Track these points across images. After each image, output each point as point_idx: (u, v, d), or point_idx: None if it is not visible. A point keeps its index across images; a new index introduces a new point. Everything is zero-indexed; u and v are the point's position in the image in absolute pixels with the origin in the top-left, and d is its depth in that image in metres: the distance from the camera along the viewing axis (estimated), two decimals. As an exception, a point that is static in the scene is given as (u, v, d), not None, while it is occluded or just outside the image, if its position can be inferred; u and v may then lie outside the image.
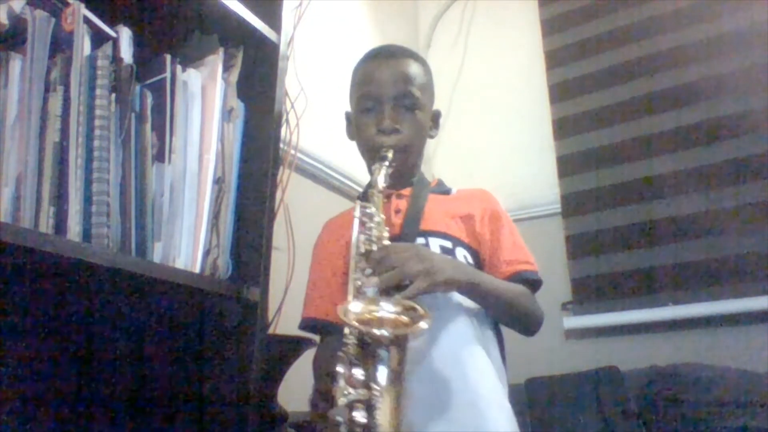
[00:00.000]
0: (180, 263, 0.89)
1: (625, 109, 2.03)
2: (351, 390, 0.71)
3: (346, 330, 0.77)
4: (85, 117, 0.78)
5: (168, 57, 0.91)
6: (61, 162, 0.75)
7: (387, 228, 0.94)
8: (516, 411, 0.93)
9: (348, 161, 1.85)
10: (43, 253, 0.69)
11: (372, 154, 1.07)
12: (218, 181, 0.96)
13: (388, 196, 1.07)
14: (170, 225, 0.89)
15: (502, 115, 2.32)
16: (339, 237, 1.08)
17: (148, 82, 0.90)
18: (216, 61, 0.98)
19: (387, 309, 0.78)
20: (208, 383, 0.97)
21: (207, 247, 0.94)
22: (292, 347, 1.16)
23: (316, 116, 1.67)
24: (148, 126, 0.87)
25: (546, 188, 2.12)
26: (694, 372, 1.52)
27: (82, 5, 0.80)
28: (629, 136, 2.01)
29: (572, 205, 2.05)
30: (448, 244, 1.03)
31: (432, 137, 1.17)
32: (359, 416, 0.69)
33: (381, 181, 0.99)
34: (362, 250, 0.90)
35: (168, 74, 0.90)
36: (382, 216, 0.95)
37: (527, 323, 1.04)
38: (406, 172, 1.10)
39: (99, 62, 0.80)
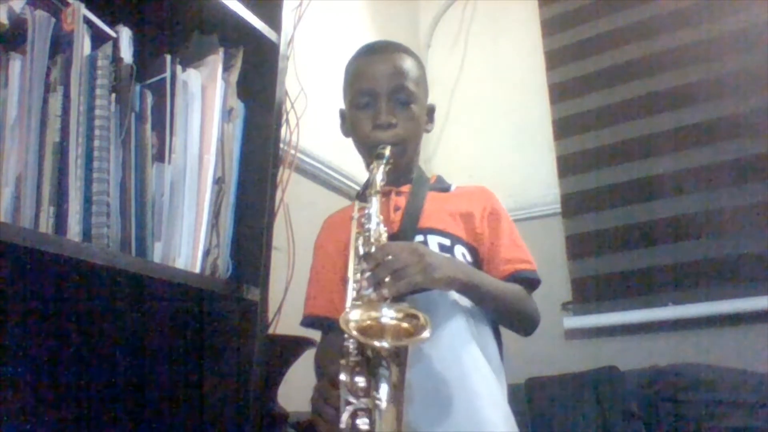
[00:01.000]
0: (180, 263, 0.89)
1: (625, 109, 2.03)
2: (353, 398, 0.72)
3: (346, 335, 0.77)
4: (85, 117, 0.78)
5: (168, 57, 0.91)
6: (61, 162, 0.75)
7: (385, 229, 0.94)
8: (516, 411, 0.93)
9: (348, 161, 1.85)
10: (43, 253, 0.69)
11: (369, 151, 1.06)
12: (218, 181, 0.96)
13: (387, 194, 1.07)
14: (170, 225, 0.89)
15: (502, 115, 2.32)
16: (338, 234, 1.08)
17: (148, 82, 0.90)
18: (216, 61, 0.98)
19: (388, 315, 0.78)
20: (208, 383, 0.97)
21: (207, 247, 0.94)
22: (292, 347, 1.16)
23: (316, 116, 1.67)
24: (148, 126, 0.87)
25: (546, 188, 2.12)
26: (694, 372, 1.52)
27: (82, 5, 0.80)
28: (629, 136, 2.01)
29: (572, 205, 2.05)
30: (447, 242, 1.03)
31: (428, 131, 1.17)
32: (362, 424, 0.70)
33: (379, 180, 0.98)
34: (360, 251, 0.90)
35: (168, 74, 0.90)
36: (381, 216, 0.94)
37: (524, 324, 1.04)
38: (403, 167, 1.09)
39: (99, 62, 0.80)
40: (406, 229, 1.02)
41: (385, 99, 1.06)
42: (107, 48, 0.82)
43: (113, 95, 0.82)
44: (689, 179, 1.87)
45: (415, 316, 0.76)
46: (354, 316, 0.77)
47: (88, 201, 0.77)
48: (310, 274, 1.15)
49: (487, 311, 0.99)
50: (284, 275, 1.40)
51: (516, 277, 1.03)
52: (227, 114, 1.00)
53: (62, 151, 0.76)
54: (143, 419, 1.01)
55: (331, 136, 1.41)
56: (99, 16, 0.84)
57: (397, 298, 0.83)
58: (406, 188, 1.10)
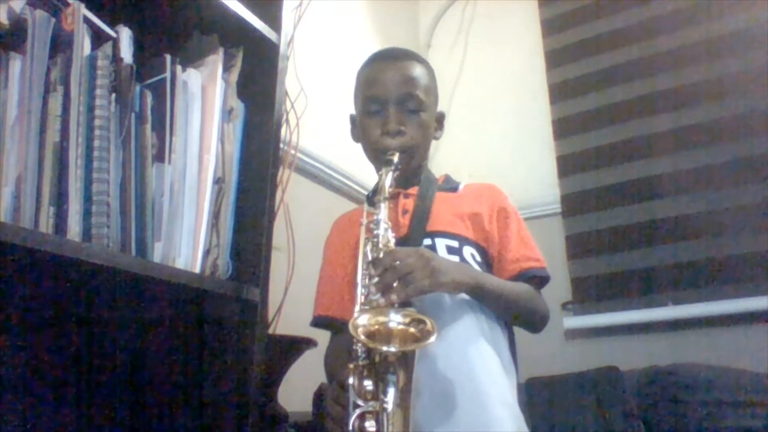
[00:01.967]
0: (180, 263, 0.89)
1: (625, 109, 2.03)
2: (361, 401, 0.74)
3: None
4: (85, 117, 0.78)
5: (168, 57, 0.91)
6: (61, 162, 0.75)
7: (393, 234, 0.95)
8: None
9: (348, 161, 1.85)
10: (43, 253, 0.69)
11: (378, 157, 1.08)
12: (218, 181, 0.96)
13: (395, 196, 1.08)
14: (170, 225, 0.88)
15: (502, 115, 2.32)
16: (347, 236, 1.09)
17: (148, 82, 0.90)
18: (216, 61, 0.98)
19: (395, 320, 0.79)
20: (208, 383, 0.97)
21: (207, 247, 0.94)
22: (292, 347, 1.17)
23: (316, 116, 1.67)
24: (148, 126, 0.87)
25: (546, 188, 2.12)
26: (694, 372, 1.52)
27: (82, 5, 0.80)
28: (629, 136, 2.01)
29: (572, 205, 2.05)
30: (455, 244, 1.03)
31: (437, 139, 1.18)
32: (369, 426, 0.72)
33: (387, 186, 0.99)
34: (369, 257, 0.91)
35: (168, 74, 0.90)
36: (389, 222, 0.95)
37: (533, 321, 1.05)
38: (411, 173, 1.10)
39: (99, 62, 0.80)
40: (415, 232, 1.03)
41: (394, 106, 1.07)
42: (107, 48, 0.82)
43: (113, 95, 0.82)
44: (689, 179, 1.87)
45: (422, 321, 0.78)
46: (362, 321, 0.78)
47: (88, 201, 0.77)
48: (320, 274, 1.15)
49: (496, 311, 1.00)
50: (284, 275, 1.40)
51: (525, 276, 1.04)
52: (227, 114, 1.00)
53: (62, 151, 0.76)
54: (143, 419, 1.01)
55: (331, 136, 1.41)
56: (99, 16, 0.84)
57: (404, 303, 0.84)
58: (414, 190, 1.10)
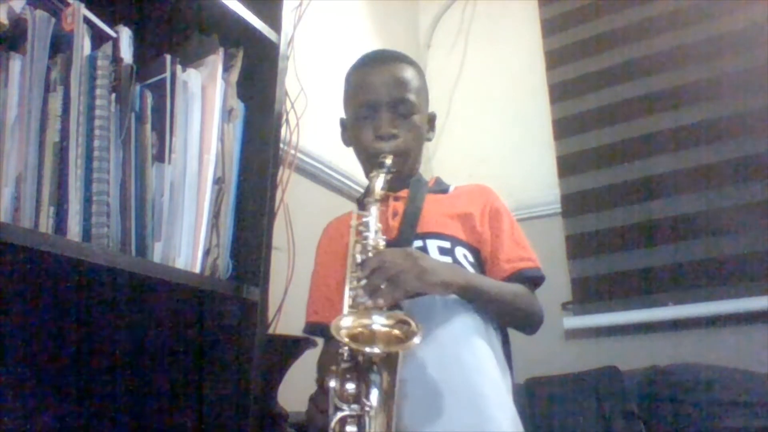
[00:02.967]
0: (180, 263, 0.89)
1: (625, 109, 2.03)
2: (343, 405, 0.73)
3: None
4: (85, 117, 0.78)
5: (168, 57, 0.91)
6: (61, 162, 0.75)
7: (383, 237, 0.94)
8: (516, 411, 0.93)
9: (348, 161, 1.84)
10: (43, 253, 0.69)
11: (370, 161, 1.07)
12: (218, 181, 0.96)
13: (385, 200, 1.07)
14: (170, 225, 0.89)
15: (502, 115, 2.32)
16: (337, 240, 1.09)
17: (148, 82, 0.90)
18: (216, 61, 0.98)
19: (379, 322, 0.78)
20: (208, 383, 0.97)
21: (207, 247, 0.94)
22: (292, 347, 1.16)
23: (316, 116, 1.67)
24: (148, 126, 0.87)
25: (546, 188, 2.12)
26: (694, 372, 1.52)
27: (82, 5, 0.80)
28: (629, 136, 2.01)
29: (572, 205, 2.05)
30: (447, 245, 1.03)
31: (429, 140, 1.17)
32: (351, 431, 0.72)
33: (379, 188, 0.99)
34: (358, 260, 0.90)
35: (168, 74, 0.90)
36: (379, 225, 0.95)
37: (527, 323, 1.04)
38: (404, 176, 1.10)
39: (99, 62, 0.80)
40: (405, 234, 1.02)
41: (386, 110, 1.07)
42: (107, 48, 0.82)
43: (113, 95, 0.82)
44: (689, 179, 1.86)
45: (407, 323, 0.77)
46: (345, 323, 0.78)
47: (88, 201, 0.77)
48: (311, 280, 1.15)
49: (488, 312, 0.98)
50: (284, 275, 1.40)
51: (519, 276, 1.03)
52: (227, 114, 1.00)
53: (62, 151, 0.76)
54: (143, 419, 1.01)
55: (331, 136, 1.41)
56: (99, 16, 0.84)
57: (394, 305, 0.83)
58: (404, 193, 1.10)
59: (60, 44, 0.78)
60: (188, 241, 0.91)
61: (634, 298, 1.86)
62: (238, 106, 1.03)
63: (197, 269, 0.91)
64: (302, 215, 1.52)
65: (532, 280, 1.05)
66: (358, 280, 0.87)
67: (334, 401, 0.74)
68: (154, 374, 1.02)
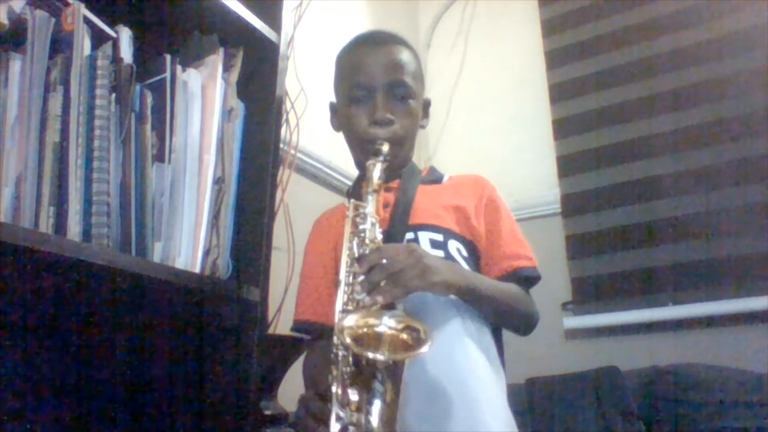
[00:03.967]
0: (180, 263, 0.89)
1: (625, 110, 2.03)
2: (343, 413, 0.69)
3: (336, 342, 0.75)
4: (85, 117, 0.78)
5: (168, 57, 0.91)
6: (61, 162, 0.75)
7: (381, 230, 0.89)
8: (516, 411, 0.92)
9: (348, 161, 1.84)
10: (43, 253, 0.69)
11: (364, 147, 1.02)
12: (218, 181, 0.96)
13: (377, 190, 1.01)
14: (170, 225, 0.89)
15: (502, 115, 2.32)
16: (328, 235, 1.06)
17: (148, 82, 0.90)
18: (216, 61, 0.98)
19: (387, 324, 0.73)
20: (208, 383, 0.97)
21: (207, 247, 0.94)
22: (292, 347, 1.16)
23: (316, 116, 1.67)
24: (148, 126, 0.87)
25: (546, 188, 2.12)
26: (694, 372, 1.52)
27: (82, 5, 0.80)
28: (629, 137, 2.01)
29: (572, 205, 2.05)
30: (439, 237, 0.98)
31: (423, 127, 1.12)
32: None
33: (376, 178, 0.93)
34: (355, 253, 0.85)
35: (168, 74, 0.90)
36: (376, 217, 0.90)
37: (522, 325, 1.00)
38: (397, 164, 1.04)
39: (99, 62, 0.80)
40: (396, 226, 0.97)
41: (382, 94, 1.02)
42: (107, 48, 0.82)
43: (113, 95, 0.82)
44: (689, 179, 1.87)
45: (415, 329, 0.72)
46: (349, 323, 0.73)
47: (88, 201, 0.77)
48: (300, 277, 1.11)
49: (484, 314, 0.95)
50: (284, 275, 1.40)
51: (516, 275, 0.99)
52: (227, 114, 1.00)
53: (62, 151, 0.76)
54: (143, 419, 1.00)
55: (331, 136, 1.40)
56: (99, 16, 0.84)
57: (390, 304, 0.79)
58: (395, 183, 1.04)
59: (60, 44, 0.78)
60: (188, 241, 0.91)
61: (634, 298, 1.86)
62: (238, 106, 1.03)
63: (197, 269, 0.91)
64: (302, 215, 1.52)
65: (529, 279, 1.01)
66: (355, 275, 0.82)
67: (336, 408, 0.70)
68: (154, 374, 1.02)
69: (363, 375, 0.71)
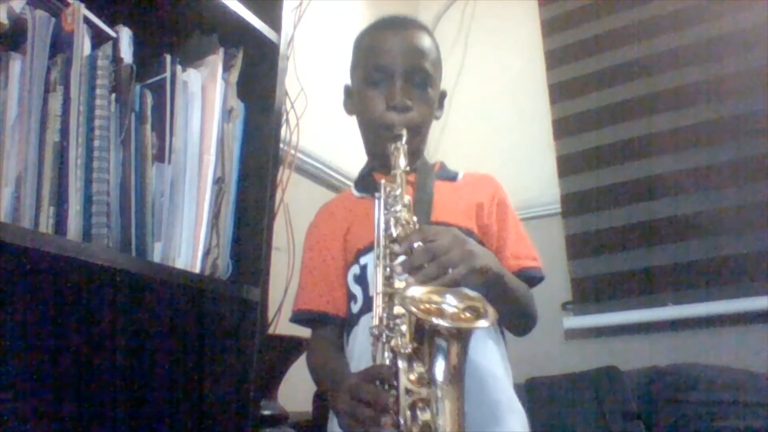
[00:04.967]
0: (180, 263, 0.89)
1: (625, 109, 2.03)
2: (413, 387, 0.65)
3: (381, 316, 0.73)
4: (85, 117, 0.78)
5: (168, 57, 0.91)
6: (61, 162, 0.75)
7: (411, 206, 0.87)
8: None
9: (348, 161, 1.85)
10: (43, 253, 0.69)
11: (379, 133, 1.00)
12: (218, 181, 0.96)
13: (389, 181, 1.02)
14: (170, 225, 0.89)
15: (502, 115, 2.32)
16: (333, 224, 1.05)
17: (148, 82, 0.90)
18: (216, 61, 0.98)
19: (450, 302, 0.70)
20: (208, 383, 0.97)
21: (207, 247, 0.94)
22: (292, 347, 1.17)
23: (316, 116, 1.67)
24: (148, 126, 0.87)
25: (546, 188, 2.12)
26: (694, 372, 1.52)
27: (82, 5, 0.80)
28: (629, 136, 2.01)
29: (572, 205, 2.05)
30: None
31: (437, 118, 1.10)
32: (422, 415, 0.64)
33: (403, 165, 0.91)
34: (393, 234, 0.82)
35: (168, 74, 0.90)
36: (409, 198, 0.87)
37: (526, 323, 1.00)
38: (412, 154, 1.00)
39: (99, 62, 0.80)
40: (419, 223, 0.94)
41: (401, 79, 0.99)
42: (107, 48, 0.82)
43: (113, 95, 0.82)
44: (689, 179, 1.86)
45: (475, 308, 0.69)
46: (414, 293, 0.69)
47: (88, 201, 0.77)
48: (302, 266, 1.08)
49: (500, 308, 0.95)
50: (284, 275, 1.40)
51: (522, 275, 0.99)
52: (227, 114, 1.00)
53: (62, 151, 0.76)
54: (143, 419, 1.00)
55: (331, 136, 1.41)
56: (99, 16, 0.84)
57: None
58: (410, 177, 1.01)
59: (60, 44, 0.78)
60: (188, 241, 0.91)
61: (634, 298, 1.86)
62: (238, 106, 1.03)
63: (197, 269, 0.91)
64: (302, 215, 1.52)
65: (533, 279, 1.01)
66: (393, 255, 0.80)
67: (405, 383, 0.66)
68: (154, 374, 1.02)
69: (428, 347, 0.67)
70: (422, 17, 2.59)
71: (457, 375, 0.66)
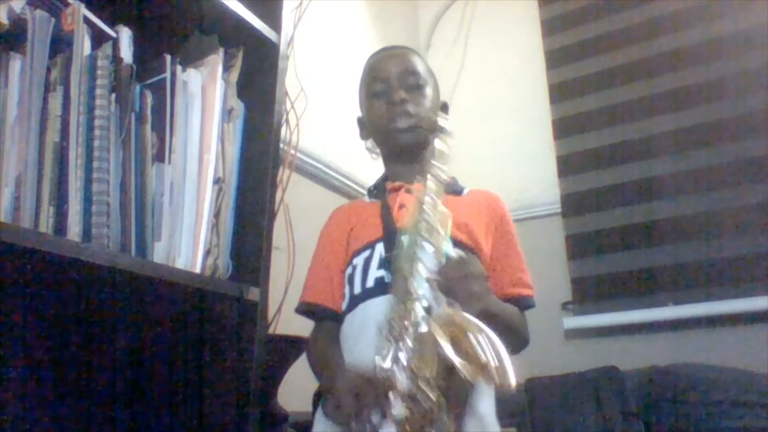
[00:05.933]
0: (180, 263, 0.89)
1: (625, 110, 2.03)
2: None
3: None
4: (85, 117, 0.78)
5: (168, 57, 0.91)
6: (61, 162, 0.75)
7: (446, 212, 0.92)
8: (516, 411, 0.93)
9: (348, 161, 1.85)
10: (43, 253, 0.69)
11: (389, 133, 1.09)
12: (218, 181, 0.96)
13: (396, 189, 1.07)
14: (170, 225, 0.88)
15: (502, 115, 2.32)
16: (345, 225, 1.10)
17: (148, 82, 0.90)
18: (216, 61, 0.98)
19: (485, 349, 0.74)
20: (208, 383, 0.97)
21: (207, 247, 0.94)
22: (292, 347, 1.16)
23: (316, 116, 1.67)
24: (148, 126, 0.87)
25: (546, 188, 2.12)
26: (694, 372, 1.52)
27: (82, 5, 0.81)
28: (629, 137, 2.01)
29: (572, 205, 2.05)
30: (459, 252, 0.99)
31: (443, 128, 1.12)
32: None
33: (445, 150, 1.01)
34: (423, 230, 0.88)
35: (168, 74, 0.90)
36: (444, 209, 0.92)
37: (516, 347, 1.01)
38: (416, 152, 1.09)
39: (99, 62, 0.80)
40: None
41: (396, 80, 1.10)
42: (107, 48, 0.82)
43: (113, 95, 0.82)
44: (689, 180, 1.87)
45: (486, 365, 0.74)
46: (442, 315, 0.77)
47: (88, 201, 0.77)
48: (312, 262, 1.13)
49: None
50: (284, 275, 1.40)
51: (516, 302, 1.03)
52: (227, 114, 1.00)
53: (62, 151, 0.76)
54: (143, 419, 1.00)
55: (331, 136, 1.41)
56: (99, 16, 0.84)
57: None
58: (417, 186, 1.03)
59: (60, 44, 0.78)
60: (188, 241, 0.91)
61: (634, 298, 1.86)
62: (238, 106, 1.03)
63: (197, 269, 0.91)
64: (302, 215, 1.52)
65: (527, 306, 1.05)
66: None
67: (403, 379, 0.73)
68: (154, 374, 1.02)
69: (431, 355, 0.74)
70: (422, 17, 2.62)
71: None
